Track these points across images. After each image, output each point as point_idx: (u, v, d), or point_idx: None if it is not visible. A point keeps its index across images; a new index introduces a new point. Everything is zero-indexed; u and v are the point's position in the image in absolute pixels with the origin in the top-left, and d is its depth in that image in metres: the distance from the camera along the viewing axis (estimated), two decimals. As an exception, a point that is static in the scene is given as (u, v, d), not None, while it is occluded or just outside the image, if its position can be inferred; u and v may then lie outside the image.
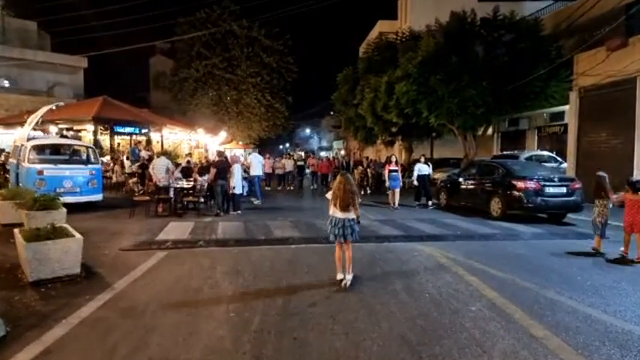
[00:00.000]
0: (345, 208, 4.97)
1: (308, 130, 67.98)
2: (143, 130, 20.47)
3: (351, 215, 5.06)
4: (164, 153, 11.38)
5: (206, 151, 30.13)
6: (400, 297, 4.54)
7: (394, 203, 12.30)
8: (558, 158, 16.72)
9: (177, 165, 13.39)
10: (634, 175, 11.23)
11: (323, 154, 53.09)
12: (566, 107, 16.43)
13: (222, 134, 29.42)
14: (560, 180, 9.97)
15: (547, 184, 9.70)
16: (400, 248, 6.94)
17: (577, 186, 9.89)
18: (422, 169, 12.83)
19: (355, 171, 18.20)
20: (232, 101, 32.40)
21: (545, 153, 17.27)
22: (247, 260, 6.01)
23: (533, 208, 9.64)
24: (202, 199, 11.71)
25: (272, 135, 37.62)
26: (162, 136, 21.66)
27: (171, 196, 10.25)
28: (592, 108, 13.75)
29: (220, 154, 10.61)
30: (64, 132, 20.43)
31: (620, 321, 3.83)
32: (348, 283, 4.92)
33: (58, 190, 9.99)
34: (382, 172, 17.25)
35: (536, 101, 15.46)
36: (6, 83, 26.07)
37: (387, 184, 12.53)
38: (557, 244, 7.55)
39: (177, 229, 8.07)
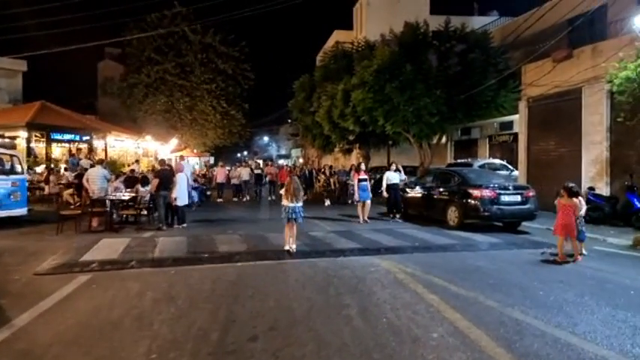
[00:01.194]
0: (293, 199, 7.02)
1: (266, 138, 67.10)
2: (84, 138, 18.94)
3: (299, 204, 7.10)
4: (100, 162, 10.22)
5: (156, 159, 28.63)
6: (355, 323, 4.01)
7: (363, 217, 11.13)
8: (509, 166, 17.15)
9: (119, 175, 12.27)
10: (582, 181, 11.54)
11: (282, 162, 52.43)
12: (515, 117, 16.92)
13: (173, 141, 28.07)
14: (515, 188, 9.99)
15: (502, 192, 9.66)
16: (356, 263, 6.46)
17: (531, 194, 9.94)
18: (391, 177, 11.79)
19: (317, 179, 17.69)
20: (185, 108, 31.06)
21: (497, 161, 17.68)
22: (184, 283, 5.28)
23: (490, 216, 9.55)
24: (145, 212, 10.76)
25: (228, 143, 36.50)
26: (106, 144, 20.15)
27: (107, 209, 9.22)
28: (540, 117, 14.14)
29: (163, 162, 9.72)
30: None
31: (592, 345, 3.52)
32: (294, 248, 7.00)
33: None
34: (347, 181, 16.35)
35: (487, 110, 15.75)
36: None
37: (356, 195, 11.34)
38: (515, 255, 7.40)
39: (108, 248, 7.14)
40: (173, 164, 27.58)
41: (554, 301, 4.70)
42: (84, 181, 9.55)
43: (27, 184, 10.06)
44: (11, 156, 9.68)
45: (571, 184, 7.14)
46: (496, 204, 9.55)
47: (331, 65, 20.45)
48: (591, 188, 11.15)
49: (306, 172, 19.96)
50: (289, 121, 38.95)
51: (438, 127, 15.83)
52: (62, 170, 15.59)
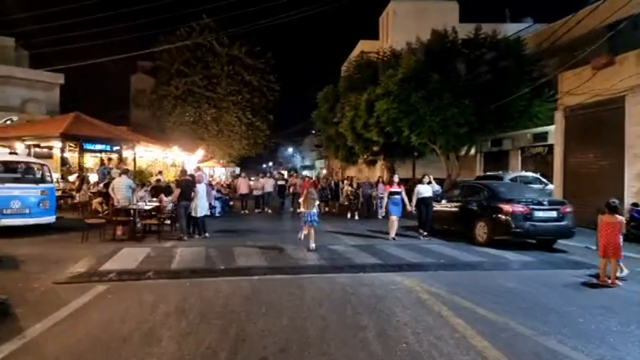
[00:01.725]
0: (309, 207, 8.34)
1: (291, 149, 67.48)
2: (115, 148, 19.46)
3: (314, 210, 8.38)
4: (125, 171, 10.38)
5: (182, 169, 29.14)
6: (372, 348, 3.73)
7: (392, 233, 10.11)
8: (543, 179, 16.38)
9: (145, 184, 12.44)
10: (624, 197, 10.79)
11: (305, 172, 52.28)
12: (550, 128, 16.21)
13: (200, 152, 28.54)
14: (551, 203, 9.40)
15: (536, 207, 9.10)
16: (376, 280, 6.15)
17: (568, 210, 9.32)
18: (422, 191, 10.51)
19: (344, 190, 16.53)
20: (212, 119, 31.68)
21: (530, 174, 16.92)
22: (198, 296, 5.14)
23: (522, 233, 9.00)
24: (168, 222, 10.81)
25: (253, 153, 36.89)
26: (135, 154, 20.65)
27: (131, 218, 9.30)
28: (578, 127, 13.42)
29: (184, 172, 9.75)
30: (33, 148, 19.37)
31: (641, 384, 3.10)
32: (313, 247, 8.20)
33: (4, 211, 9.02)
34: (372, 194, 15.90)
35: (520, 120, 15.15)
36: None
37: (385, 209, 10.67)
38: (550, 276, 6.88)
39: (128, 257, 7.14)
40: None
41: (595, 330, 4.25)
42: (110, 190, 9.71)
43: (56, 192, 10.30)
44: (41, 165, 9.98)
45: (613, 200, 6.57)
46: (529, 220, 8.99)
47: (355, 75, 20.33)
48: (635, 204, 10.39)
49: (332, 183, 18.78)
50: (313, 132, 39.03)
51: (467, 138, 15.33)
52: (91, 179, 16.03)
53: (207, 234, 9.71)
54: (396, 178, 10.97)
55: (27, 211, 9.04)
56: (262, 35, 60.69)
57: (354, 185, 16.11)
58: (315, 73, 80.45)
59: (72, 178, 16.56)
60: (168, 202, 9.86)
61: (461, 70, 14.52)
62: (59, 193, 13.98)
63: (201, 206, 9.45)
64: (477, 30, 15.72)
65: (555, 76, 14.29)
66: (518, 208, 9.05)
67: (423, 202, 10.49)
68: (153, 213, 9.81)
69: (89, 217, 11.10)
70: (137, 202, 10.15)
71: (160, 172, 17.36)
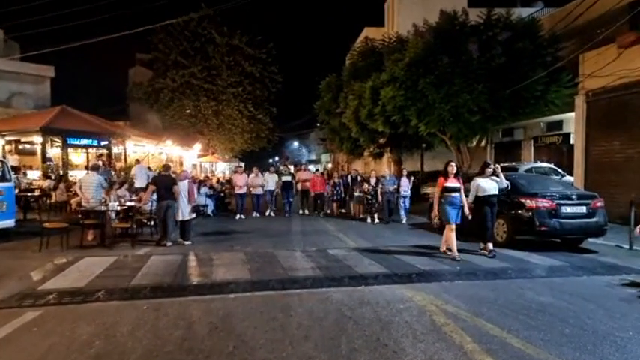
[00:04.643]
0: None
1: (296, 144, 66.32)
2: (103, 143, 18.41)
3: None
4: (95, 167, 9.25)
5: (180, 164, 28.12)
6: (372, 415, 2.61)
7: (454, 250, 7.22)
8: (560, 171, 15.17)
9: (124, 182, 11.38)
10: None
11: (311, 167, 50.76)
12: (565, 115, 15.06)
13: (197, 147, 27.48)
14: (579, 197, 8.17)
15: (563, 202, 7.92)
16: (380, 296, 5.02)
17: (599, 205, 8.13)
18: (486, 187, 7.45)
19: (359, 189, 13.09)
20: (212, 112, 30.57)
21: (546, 165, 15.69)
22: (151, 326, 4.03)
23: (547, 232, 7.82)
24: (151, 223, 9.76)
25: (256, 148, 35.81)
26: (125, 149, 19.62)
27: (100, 221, 8.20)
28: (602, 113, 12.15)
29: (167, 167, 8.61)
30: (14, 144, 18.40)
31: None
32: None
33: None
34: (392, 193, 12.26)
35: (535, 107, 13.83)
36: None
37: (434, 212, 7.56)
38: (587, 284, 5.74)
39: (84, 270, 6.02)
40: (197, 170, 25.83)
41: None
42: (77, 188, 8.61)
43: (15, 192, 9.20)
44: (-1, 162, 8.83)
45: None
46: (555, 217, 7.82)
47: (359, 63, 19.05)
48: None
49: (349, 178, 14.83)
50: (317, 124, 37.84)
51: (479, 126, 14.05)
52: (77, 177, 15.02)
53: (186, 242, 8.46)
54: (452, 169, 7.38)
55: (-21, 214, 7.96)
56: (264, 25, 59.26)
57: (373, 181, 12.59)
58: (320, 64, 78.69)
59: (34, 175, 15.61)
60: (143, 201, 8.76)
61: (473, 52, 13.21)
62: (37, 193, 13.02)
63: (182, 208, 8.32)
64: (489, 11, 14.38)
65: (574, 58, 12.98)
66: (543, 203, 7.88)
67: (487, 204, 7.47)
68: (129, 214, 8.73)
69: (67, 217, 10.05)
70: (112, 202, 9.07)
71: (137, 161, 16.11)
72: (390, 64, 14.51)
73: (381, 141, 19.99)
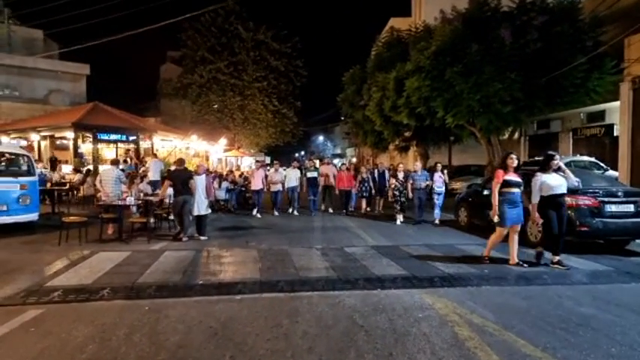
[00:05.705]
0: None
1: (321, 138, 66.01)
2: (131, 138, 18.74)
3: None
4: (114, 162, 9.27)
5: (207, 159, 28.40)
6: None
7: (514, 256, 6.37)
8: (602, 165, 14.15)
9: (144, 176, 11.40)
10: None
11: (336, 161, 50.18)
12: (607, 105, 14.11)
13: (222, 141, 27.64)
14: (626, 195, 7.39)
15: (607, 200, 7.19)
16: (397, 302, 4.61)
17: (648, 202, 7.35)
18: (552, 183, 6.16)
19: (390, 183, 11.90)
20: (237, 107, 30.73)
21: (586, 158, 14.70)
22: (149, 330, 3.80)
23: (589, 232, 7.12)
24: (171, 218, 9.69)
25: (280, 142, 35.81)
26: (152, 144, 19.88)
27: (117, 215, 8.16)
28: (651, 102, 11.14)
29: (181, 162, 8.46)
30: (49, 139, 19.01)
31: None
32: None
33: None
34: (424, 190, 10.92)
35: (575, 96, 12.80)
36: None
37: (494, 211, 6.21)
38: (637, 293, 5.12)
39: (95, 266, 5.92)
40: (222, 165, 25.62)
41: None
42: (97, 182, 8.61)
43: (38, 186, 9.31)
44: (23, 157, 8.96)
45: None
46: (598, 216, 7.11)
47: (384, 54, 18.39)
48: None
49: (376, 172, 13.72)
50: (342, 118, 37.30)
51: (512, 117, 13.16)
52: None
53: (202, 237, 8.29)
54: (512, 161, 6.27)
55: (4, 208, 8.07)
56: (289, 18, 59.03)
57: (401, 175, 11.40)
58: (347, 56, 77.63)
59: (67, 169, 15.99)
60: (160, 196, 8.66)
61: (505, 38, 12.34)
62: (67, 187, 13.30)
63: (199, 203, 8.15)
64: (524, -6, 13.38)
65: (618, 43, 11.92)
66: (584, 200, 7.18)
67: (554, 205, 6.15)
68: (141, 210, 8.65)
69: (94, 211, 10.12)
70: (132, 196, 9.05)
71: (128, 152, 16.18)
72: (415, 53, 13.85)
73: (407, 134, 19.32)
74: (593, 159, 14.57)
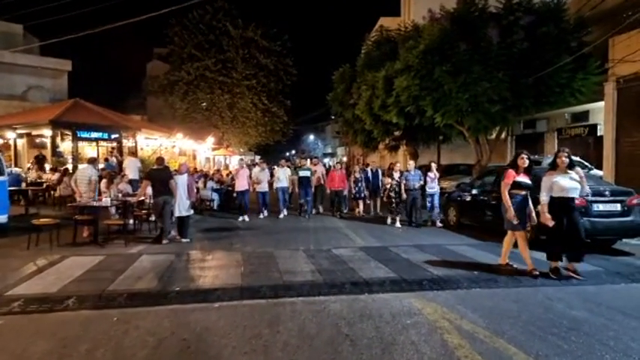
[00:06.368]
0: None
1: (312, 137, 65.81)
2: (113, 136, 18.20)
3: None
4: (92, 160, 8.89)
5: (194, 158, 27.92)
6: None
7: (527, 262, 5.89)
8: (586, 164, 14.22)
9: (124, 175, 10.99)
10: None
11: (326, 160, 50.11)
12: (591, 105, 14.23)
13: (210, 140, 27.21)
14: (613, 194, 7.34)
15: (594, 199, 7.12)
16: (385, 307, 4.40)
17: (636, 202, 7.29)
18: (565, 184, 5.63)
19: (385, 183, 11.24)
20: (226, 105, 30.27)
21: (572, 158, 14.71)
22: (114, 344, 3.50)
23: (577, 232, 7.03)
24: (152, 218, 9.35)
25: (270, 141, 35.46)
26: (136, 142, 19.37)
27: (92, 217, 7.79)
28: (634, 101, 11.22)
29: (161, 160, 8.12)
30: (26, 137, 18.33)
31: None
32: None
33: None
34: (417, 190, 10.38)
35: (560, 96, 12.82)
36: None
37: (510, 213, 5.74)
38: (627, 294, 5.03)
39: (63, 272, 5.56)
40: (210, 164, 24.99)
41: None
42: (72, 182, 8.23)
43: (10, 186, 8.88)
44: (-7, 155, 8.52)
45: None
46: (586, 215, 7.02)
47: (373, 52, 18.24)
48: None
49: (370, 172, 13.08)
50: (332, 117, 37.10)
51: (499, 117, 13.11)
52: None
53: (184, 239, 7.98)
54: (523, 161, 6.01)
55: (-32, 210, 7.65)
56: (279, 16, 58.61)
57: (397, 175, 10.77)
58: (337, 55, 77.63)
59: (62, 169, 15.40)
60: (138, 197, 8.32)
61: (493, 38, 12.29)
62: (43, 187, 12.82)
63: (180, 204, 7.84)
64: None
65: (602, 43, 11.94)
66: (572, 200, 7.07)
67: (564, 208, 5.64)
68: (120, 211, 8.30)
69: (40, 216, 9.49)
70: (111, 196, 8.69)
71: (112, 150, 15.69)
72: (404, 52, 13.72)
73: (396, 133, 19.21)
74: (578, 158, 14.63)
